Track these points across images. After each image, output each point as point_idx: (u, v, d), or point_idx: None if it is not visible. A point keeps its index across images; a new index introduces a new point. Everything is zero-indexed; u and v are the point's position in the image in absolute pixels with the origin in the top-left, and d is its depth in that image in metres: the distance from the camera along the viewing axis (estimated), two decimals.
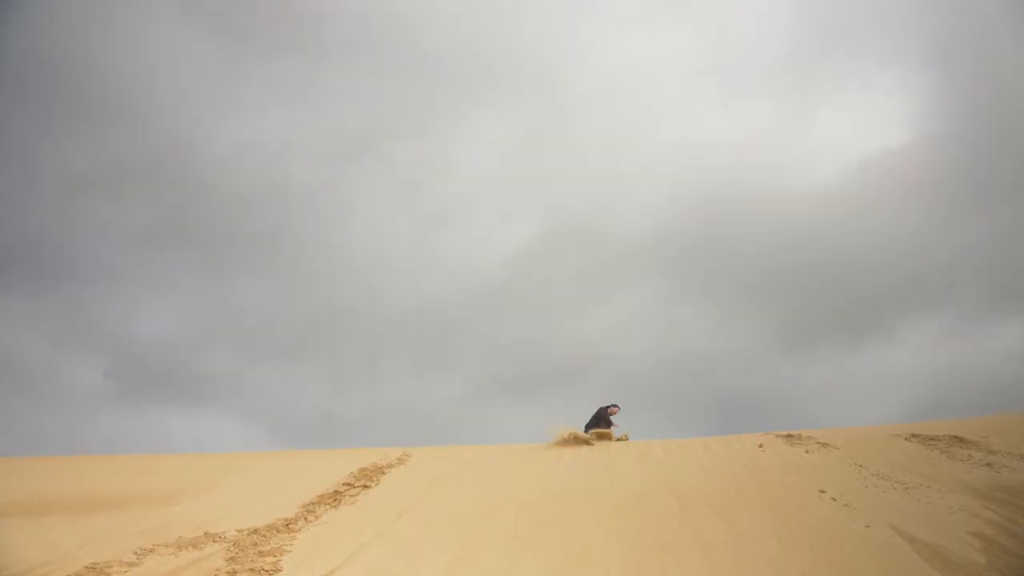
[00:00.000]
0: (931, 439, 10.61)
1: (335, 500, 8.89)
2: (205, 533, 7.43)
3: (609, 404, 13.06)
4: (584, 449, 11.44)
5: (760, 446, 11.08)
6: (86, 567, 6.32)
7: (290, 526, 7.67)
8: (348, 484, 9.81)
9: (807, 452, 10.34)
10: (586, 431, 12.27)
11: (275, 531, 7.47)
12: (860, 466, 9.14)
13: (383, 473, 10.59)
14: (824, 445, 10.73)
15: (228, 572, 6.11)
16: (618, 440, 12.28)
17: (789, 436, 11.77)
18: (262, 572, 6.07)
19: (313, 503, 8.75)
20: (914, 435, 11.05)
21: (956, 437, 10.56)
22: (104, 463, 13.01)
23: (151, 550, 6.87)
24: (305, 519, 7.97)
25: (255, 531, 7.47)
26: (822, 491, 8.01)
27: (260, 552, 6.69)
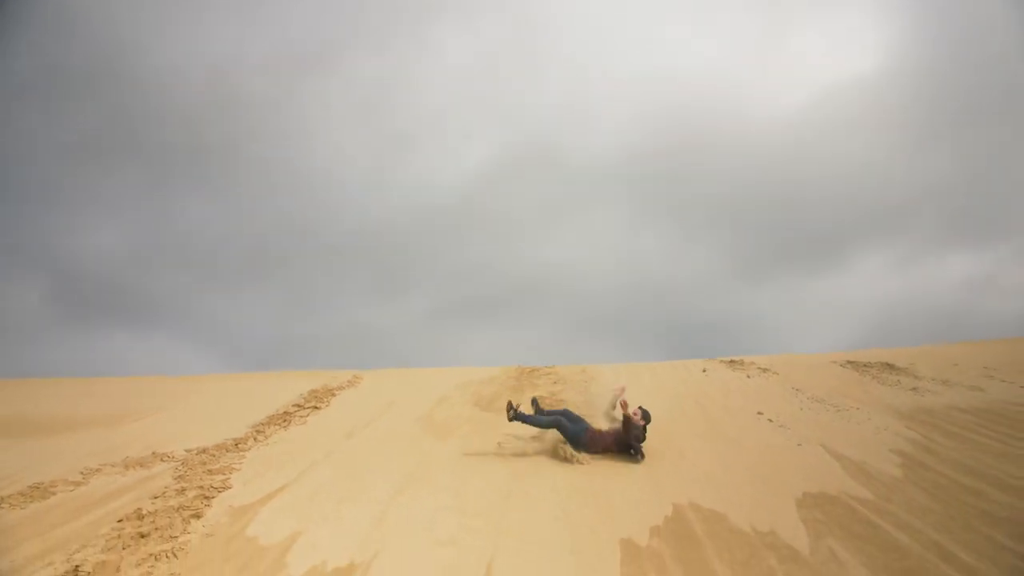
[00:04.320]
0: (864, 366, 11.13)
1: (285, 421, 8.91)
2: (153, 453, 7.39)
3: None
4: (538, 374, 11.64)
5: (704, 371, 11.46)
6: (30, 487, 6.25)
7: (239, 446, 7.68)
8: (298, 406, 9.84)
9: (748, 377, 10.75)
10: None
11: (224, 451, 7.48)
12: (797, 390, 9.56)
13: (333, 395, 10.63)
14: (765, 370, 11.16)
15: (176, 490, 6.12)
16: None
17: (732, 362, 12.19)
18: (211, 489, 6.10)
19: (263, 424, 8.76)
20: (849, 362, 11.57)
21: (887, 364, 11.10)
22: (48, 387, 12.73)
23: (97, 470, 6.82)
24: (255, 439, 7.99)
25: (204, 451, 7.47)
26: (760, 413, 8.38)
27: (209, 471, 6.70)
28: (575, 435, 6.79)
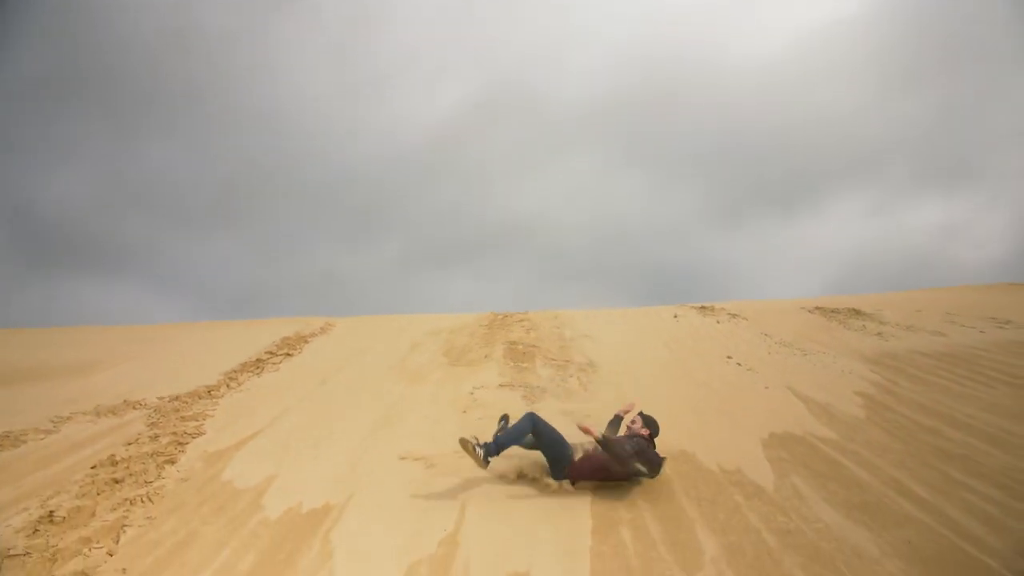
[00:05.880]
0: (832, 311, 11.36)
1: (258, 368, 8.89)
2: (125, 401, 7.34)
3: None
4: (511, 321, 11.69)
5: (675, 316, 11.62)
6: (0, 435, 6.19)
7: (212, 393, 7.66)
8: (271, 352, 9.81)
9: (718, 322, 10.92)
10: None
11: (197, 397, 7.46)
12: (765, 335, 9.75)
13: (306, 342, 10.60)
14: (734, 316, 11.34)
15: (150, 436, 6.10)
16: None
17: (703, 308, 12.37)
18: (184, 436, 6.10)
19: (235, 371, 8.73)
20: (817, 308, 11.80)
21: (854, 310, 11.34)
22: (15, 336, 12.51)
23: (68, 418, 6.77)
24: (227, 386, 7.97)
25: (176, 398, 7.44)
26: (729, 357, 8.55)
27: (182, 417, 6.69)
28: (558, 458, 4.79)
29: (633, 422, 4.99)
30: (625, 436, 4.88)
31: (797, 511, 4.23)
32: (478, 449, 4.61)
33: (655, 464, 4.64)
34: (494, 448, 4.68)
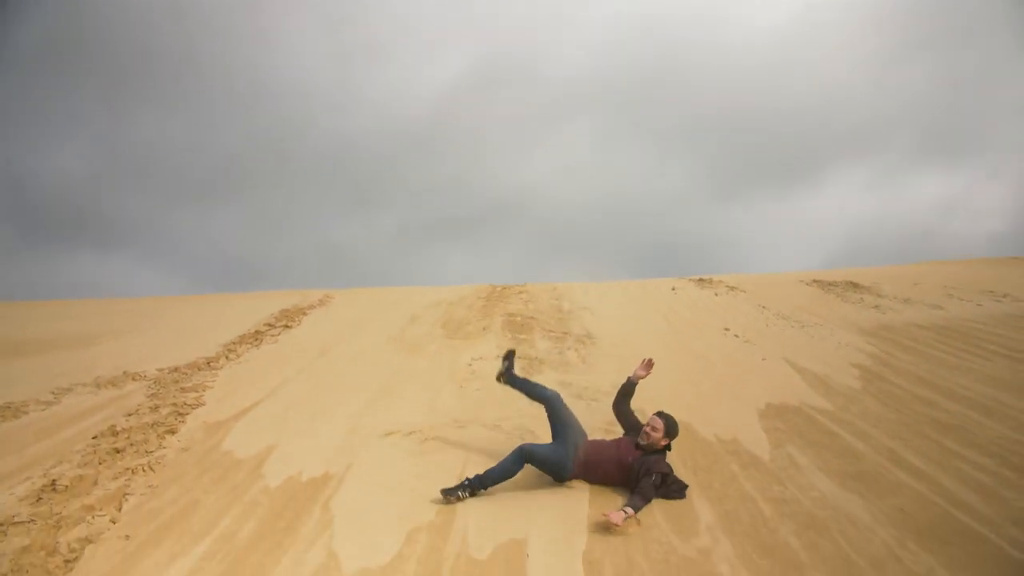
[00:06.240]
0: (829, 284, 11.38)
1: (256, 340, 8.91)
2: (124, 373, 7.37)
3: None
4: (509, 293, 11.70)
5: (673, 289, 11.64)
6: (0, 407, 6.21)
7: (211, 364, 7.68)
8: (269, 324, 9.82)
9: (716, 295, 10.94)
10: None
11: (197, 369, 7.49)
12: (763, 307, 9.77)
13: (305, 314, 10.62)
14: (732, 288, 11.36)
15: (150, 407, 6.13)
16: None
17: (701, 280, 12.38)
18: (184, 407, 6.13)
19: (234, 343, 8.75)
20: (815, 280, 11.82)
21: (852, 283, 11.36)
22: (12, 309, 12.52)
23: (69, 390, 6.79)
24: (227, 358, 7.99)
25: (176, 369, 7.46)
26: (726, 329, 8.58)
27: (182, 388, 6.71)
28: (558, 463, 4.33)
29: (653, 429, 4.28)
30: (647, 461, 4.17)
31: (792, 480, 4.27)
32: (461, 493, 4.14)
33: (677, 494, 4.14)
34: (477, 483, 4.21)
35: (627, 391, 4.76)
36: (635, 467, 4.19)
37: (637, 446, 4.32)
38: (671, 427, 4.33)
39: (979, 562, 3.22)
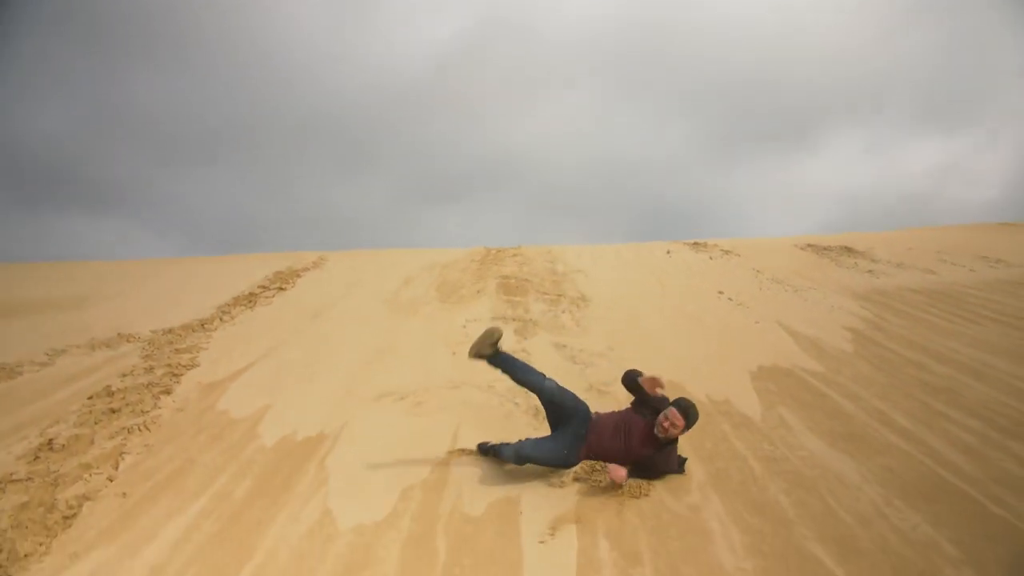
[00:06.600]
0: (824, 249, 11.39)
1: (251, 302, 8.89)
2: (118, 334, 7.35)
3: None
4: (504, 255, 11.67)
5: (668, 252, 11.63)
6: None
7: (205, 326, 7.68)
8: (264, 287, 9.80)
9: (711, 259, 10.94)
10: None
11: (190, 330, 7.48)
12: (757, 271, 9.79)
13: (299, 276, 10.59)
14: (727, 252, 11.37)
15: (145, 368, 6.14)
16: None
17: (695, 244, 12.38)
18: (179, 367, 6.14)
19: (228, 305, 8.73)
20: (809, 245, 11.83)
21: (846, 248, 11.38)
22: (5, 271, 12.43)
23: (63, 351, 6.79)
24: (220, 319, 7.98)
25: (170, 331, 7.46)
26: (720, 292, 8.60)
27: (176, 350, 6.72)
28: (561, 463, 3.95)
29: (672, 425, 3.81)
30: (660, 458, 3.90)
31: (783, 440, 4.33)
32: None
33: (677, 468, 3.98)
34: (500, 359, 4.15)
35: (634, 388, 4.07)
36: (646, 461, 3.90)
37: (651, 436, 3.90)
38: (691, 419, 3.88)
39: (963, 519, 3.28)
